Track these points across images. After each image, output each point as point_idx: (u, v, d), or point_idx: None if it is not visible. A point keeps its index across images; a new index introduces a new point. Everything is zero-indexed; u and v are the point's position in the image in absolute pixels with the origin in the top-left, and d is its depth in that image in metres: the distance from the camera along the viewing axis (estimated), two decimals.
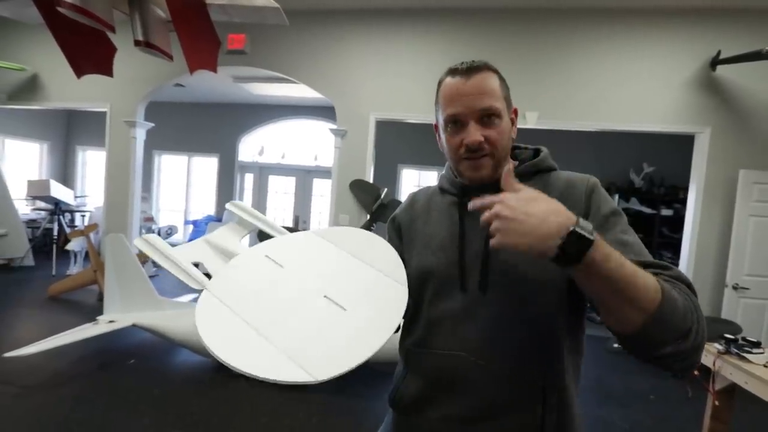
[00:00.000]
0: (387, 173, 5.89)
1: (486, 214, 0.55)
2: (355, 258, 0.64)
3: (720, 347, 1.65)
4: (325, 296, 0.58)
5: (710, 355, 1.67)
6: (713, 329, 1.82)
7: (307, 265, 0.63)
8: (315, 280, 0.61)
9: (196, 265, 0.69)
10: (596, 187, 0.71)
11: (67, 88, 4.65)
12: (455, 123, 0.70)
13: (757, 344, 1.59)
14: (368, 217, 4.03)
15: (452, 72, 0.71)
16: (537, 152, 0.80)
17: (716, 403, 1.68)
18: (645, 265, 0.58)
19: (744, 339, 1.63)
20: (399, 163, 6.16)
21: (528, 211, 0.52)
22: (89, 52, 2.89)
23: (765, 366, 1.51)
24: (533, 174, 0.75)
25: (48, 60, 4.58)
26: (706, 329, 0.56)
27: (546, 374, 0.67)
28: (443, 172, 0.85)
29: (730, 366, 1.59)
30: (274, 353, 0.51)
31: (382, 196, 3.95)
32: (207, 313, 0.54)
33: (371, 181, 4.19)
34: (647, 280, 0.53)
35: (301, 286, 0.60)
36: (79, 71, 2.90)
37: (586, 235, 0.49)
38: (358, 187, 4.09)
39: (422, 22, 3.94)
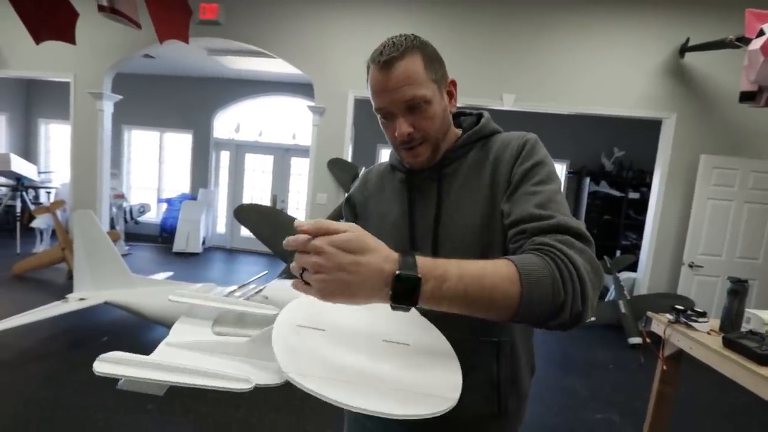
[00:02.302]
0: (366, 152, 5.87)
1: (301, 260, 0.48)
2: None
3: (670, 317, 1.78)
4: (384, 341, 0.59)
5: (661, 324, 1.81)
6: (668, 304, 1.96)
7: (340, 323, 0.62)
8: (362, 332, 0.60)
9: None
10: (529, 142, 0.70)
11: (26, 56, 4.37)
12: (385, 116, 0.70)
13: (703, 314, 1.72)
14: (346, 195, 4.05)
15: (374, 62, 0.68)
16: (480, 118, 0.79)
17: (665, 367, 1.82)
18: (531, 218, 0.59)
19: (692, 310, 1.76)
20: (378, 143, 6.14)
21: (347, 264, 0.46)
22: (48, 17, 2.73)
23: (708, 333, 1.65)
24: (476, 141, 0.75)
25: (4, 24, 4.27)
26: (590, 283, 0.52)
27: (498, 333, 0.72)
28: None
29: (678, 334, 1.72)
30: (411, 395, 0.50)
31: (360, 176, 3.96)
32: (321, 389, 0.48)
33: (350, 160, 4.18)
34: (496, 277, 0.50)
35: (359, 340, 0.59)
36: (38, 37, 2.74)
37: (411, 274, 0.47)
38: (336, 165, 4.08)
39: (402, 1, 3.88)
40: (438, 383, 0.53)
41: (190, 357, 0.66)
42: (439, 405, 0.48)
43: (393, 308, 0.48)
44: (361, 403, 0.46)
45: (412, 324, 0.64)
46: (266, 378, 0.56)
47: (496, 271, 0.50)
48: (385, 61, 0.66)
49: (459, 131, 0.78)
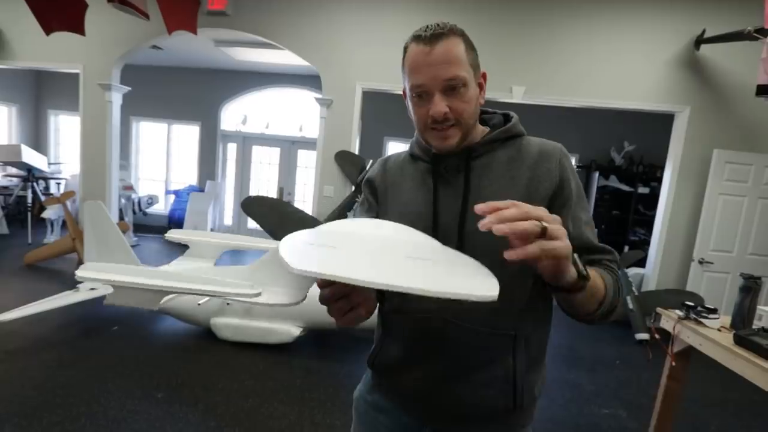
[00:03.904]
0: (373, 145, 5.85)
1: (526, 227, 0.48)
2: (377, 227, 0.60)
3: (680, 313, 1.77)
4: (407, 257, 0.51)
5: (671, 320, 1.79)
6: (676, 300, 1.94)
7: (351, 243, 0.54)
8: (378, 250, 0.53)
9: None
10: (567, 157, 0.74)
11: (36, 47, 4.39)
12: (420, 94, 0.69)
13: (714, 311, 1.70)
14: (353, 188, 4.04)
15: (416, 39, 0.68)
16: (507, 118, 0.80)
17: (673, 363, 1.81)
18: (591, 249, 0.69)
19: (702, 306, 1.74)
20: (385, 136, 6.11)
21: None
22: (58, 8, 2.74)
23: (719, 330, 1.63)
24: (506, 140, 0.76)
25: (14, 15, 4.29)
26: (622, 292, 0.69)
27: (515, 327, 0.71)
28: (414, 137, 0.82)
29: (687, 330, 1.70)
30: (447, 279, 0.46)
31: (368, 168, 3.94)
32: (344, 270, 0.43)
33: (357, 152, 4.17)
34: (604, 279, 0.64)
35: (379, 256, 0.51)
36: (48, 28, 2.75)
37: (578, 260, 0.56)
38: (343, 158, 4.07)
39: None
40: (474, 283, 0.47)
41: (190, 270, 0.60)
42: (481, 289, 0.42)
43: (564, 286, 0.56)
44: (390, 280, 0.38)
45: (436, 249, 0.58)
46: (274, 298, 0.51)
47: (603, 275, 0.65)
48: (431, 35, 0.67)
49: (485, 128, 0.79)
